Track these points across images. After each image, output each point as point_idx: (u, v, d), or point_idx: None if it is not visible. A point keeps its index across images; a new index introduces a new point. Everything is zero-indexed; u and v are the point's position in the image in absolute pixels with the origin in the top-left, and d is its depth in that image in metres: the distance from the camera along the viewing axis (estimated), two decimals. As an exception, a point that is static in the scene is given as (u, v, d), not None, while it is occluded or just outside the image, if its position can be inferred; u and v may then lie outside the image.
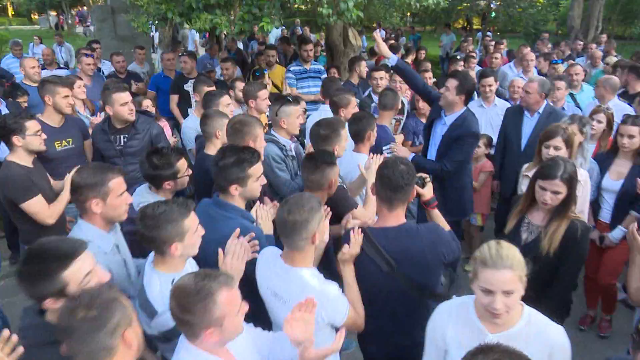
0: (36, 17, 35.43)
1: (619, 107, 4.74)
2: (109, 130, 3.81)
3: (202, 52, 13.32)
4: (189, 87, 5.70)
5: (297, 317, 1.71)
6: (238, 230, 2.23)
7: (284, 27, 7.53)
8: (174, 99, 5.83)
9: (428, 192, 2.66)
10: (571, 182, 2.49)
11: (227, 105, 4.02)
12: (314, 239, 2.02)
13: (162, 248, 1.96)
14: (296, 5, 4.70)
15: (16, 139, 3.19)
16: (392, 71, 5.04)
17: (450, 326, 1.93)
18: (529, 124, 4.34)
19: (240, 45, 11.89)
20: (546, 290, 2.55)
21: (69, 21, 30.20)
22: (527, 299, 1.86)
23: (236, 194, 2.42)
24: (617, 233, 3.61)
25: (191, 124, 4.33)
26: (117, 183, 2.27)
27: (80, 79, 5.00)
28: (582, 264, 2.77)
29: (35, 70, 5.29)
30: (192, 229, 2.01)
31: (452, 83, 3.75)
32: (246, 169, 2.38)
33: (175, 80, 5.97)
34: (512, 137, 4.40)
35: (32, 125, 3.24)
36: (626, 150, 3.56)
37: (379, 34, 4.28)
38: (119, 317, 1.42)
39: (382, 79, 5.54)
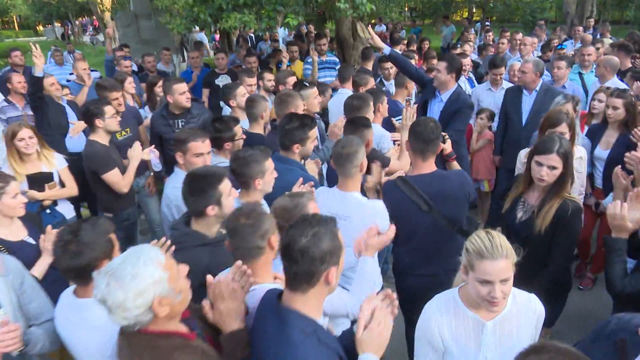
0: (41, 28, 36.15)
1: (616, 86, 5.06)
2: (167, 116, 4.44)
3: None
4: (219, 81, 6.31)
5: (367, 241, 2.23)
6: (301, 179, 2.86)
7: (289, 28, 8.11)
8: (206, 92, 6.43)
9: (448, 146, 3.26)
10: (567, 157, 2.54)
11: (243, 95, 4.50)
12: (362, 167, 2.67)
13: (248, 183, 2.56)
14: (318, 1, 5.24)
15: (98, 121, 3.82)
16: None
17: (445, 324, 1.94)
18: (527, 101, 4.78)
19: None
20: (539, 271, 2.67)
21: (75, 30, 30.91)
22: (518, 281, 1.88)
23: (297, 152, 3.04)
24: (609, 199, 3.86)
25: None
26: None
27: (130, 76, 5.62)
28: (574, 245, 2.85)
29: (55, 87, 5.25)
30: (270, 169, 2.62)
31: (442, 65, 4.31)
32: (307, 132, 3.02)
33: (206, 76, 6.59)
34: (513, 114, 4.81)
35: (109, 110, 3.87)
36: (612, 121, 3.91)
37: (372, 29, 4.89)
38: (268, 225, 1.91)
39: (392, 67, 6.15)
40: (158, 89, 5.49)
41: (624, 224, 2.29)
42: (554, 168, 2.54)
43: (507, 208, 2.79)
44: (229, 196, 2.37)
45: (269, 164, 2.66)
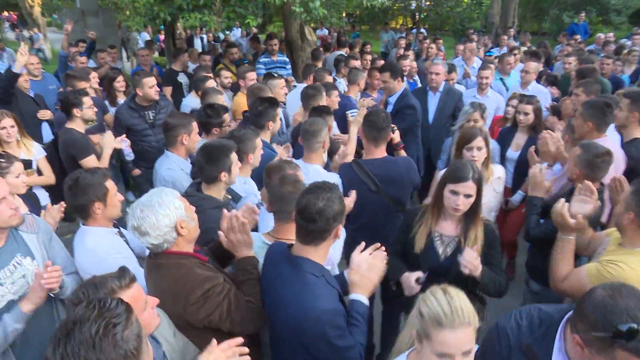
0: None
1: (536, 89, 5.70)
2: (137, 108, 4.68)
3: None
4: (181, 78, 6.56)
5: None
6: (280, 153, 3.35)
7: (248, 28, 8.46)
8: (169, 90, 6.62)
9: (396, 136, 3.74)
10: (480, 183, 2.48)
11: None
12: (324, 144, 3.19)
13: (242, 157, 2.94)
14: (276, 4, 5.66)
15: (76, 111, 4.04)
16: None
17: None
18: (433, 101, 5.24)
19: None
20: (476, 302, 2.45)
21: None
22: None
23: (269, 130, 3.60)
24: (517, 197, 4.23)
25: (189, 103, 5.27)
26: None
27: (95, 72, 5.76)
28: (500, 259, 2.72)
29: (25, 79, 5.34)
30: (259, 147, 3.11)
31: (386, 75, 4.78)
32: (276, 109, 3.67)
33: (167, 74, 6.80)
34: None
35: (87, 100, 4.10)
36: (522, 125, 4.20)
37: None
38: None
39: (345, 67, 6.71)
40: (117, 84, 5.70)
41: (565, 220, 2.41)
42: (469, 196, 2.45)
43: (422, 247, 2.57)
44: (236, 166, 2.76)
45: (259, 141, 3.09)
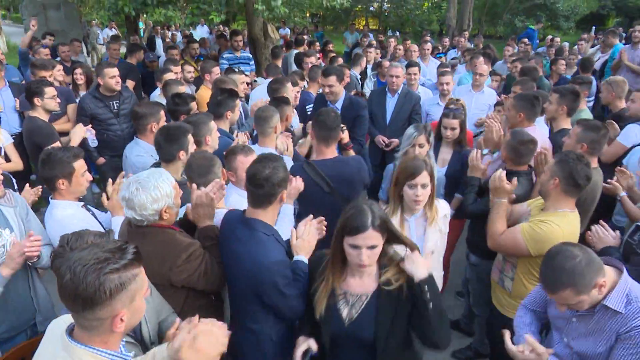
0: None
1: (487, 91, 5.74)
2: (101, 98, 4.82)
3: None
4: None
5: None
6: (237, 138, 3.59)
7: (212, 24, 8.64)
8: (131, 83, 6.72)
9: (346, 136, 3.80)
10: (386, 226, 1.97)
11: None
12: (276, 129, 3.46)
13: (200, 140, 3.22)
14: (239, 1, 5.90)
15: (37, 100, 4.16)
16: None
17: None
18: (391, 103, 5.22)
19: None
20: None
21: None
22: None
23: (228, 119, 3.95)
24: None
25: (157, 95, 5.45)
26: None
27: (60, 64, 5.84)
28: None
29: None
30: (215, 129, 3.38)
31: (332, 79, 4.53)
32: (235, 100, 3.98)
33: (128, 67, 6.92)
34: (378, 114, 5.22)
35: (49, 91, 4.22)
36: (449, 140, 3.99)
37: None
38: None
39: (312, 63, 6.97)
40: (77, 76, 5.83)
41: (502, 184, 2.85)
42: (373, 247, 1.94)
43: (322, 314, 2.08)
44: (193, 147, 3.01)
45: (213, 124, 3.35)
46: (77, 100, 5.39)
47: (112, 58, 7.40)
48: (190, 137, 2.98)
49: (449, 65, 7.14)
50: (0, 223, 2.43)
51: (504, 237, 2.80)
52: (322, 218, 2.48)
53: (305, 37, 11.60)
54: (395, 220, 2.70)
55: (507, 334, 2.10)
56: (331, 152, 3.23)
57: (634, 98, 4.46)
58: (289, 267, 2.25)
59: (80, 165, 2.69)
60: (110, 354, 1.47)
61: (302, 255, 2.32)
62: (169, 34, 13.66)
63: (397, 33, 15.13)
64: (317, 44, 11.19)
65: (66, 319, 1.57)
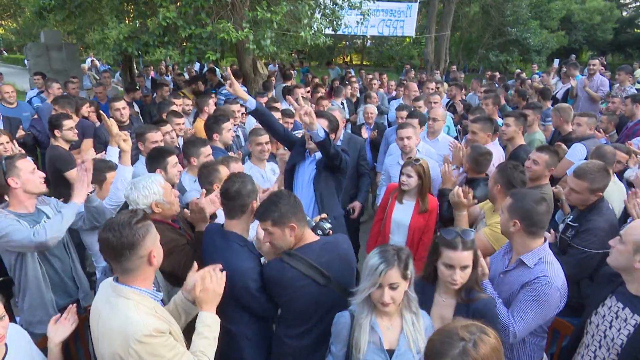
0: None
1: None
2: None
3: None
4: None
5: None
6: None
7: (207, 62, 9.37)
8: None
9: None
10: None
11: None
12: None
13: (189, 159, 3.82)
14: (232, 41, 6.57)
15: (57, 132, 4.71)
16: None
17: None
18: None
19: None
20: None
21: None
22: None
23: (217, 140, 4.63)
24: None
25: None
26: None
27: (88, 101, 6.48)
28: None
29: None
30: (205, 153, 3.97)
31: (323, 123, 3.72)
32: (221, 124, 4.67)
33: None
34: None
35: (67, 123, 4.77)
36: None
37: (235, 81, 3.73)
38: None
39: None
40: (84, 109, 6.41)
41: (460, 199, 3.29)
42: None
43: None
44: (174, 167, 3.54)
45: (206, 149, 3.93)
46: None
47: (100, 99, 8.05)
48: (172, 158, 3.55)
49: (412, 109, 5.96)
50: (46, 217, 3.03)
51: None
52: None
53: (292, 72, 12.42)
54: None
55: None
56: (310, 235, 2.59)
57: (579, 122, 5.14)
58: (260, 273, 2.55)
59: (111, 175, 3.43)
60: (147, 291, 2.06)
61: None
62: (163, 69, 14.42)
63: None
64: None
65: (110, 279, 2.13)
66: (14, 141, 4.57)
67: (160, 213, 2.84)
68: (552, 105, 7.38)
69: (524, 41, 21.82)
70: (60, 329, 2.36)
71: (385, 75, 11.84)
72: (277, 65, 18.94)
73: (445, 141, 5.14)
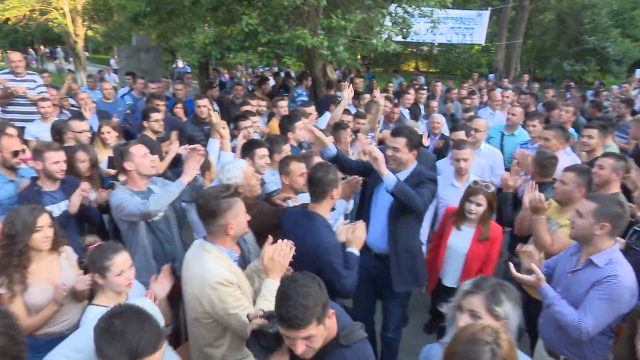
0: (-1, 54, 36.27)
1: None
2: (197, 123, 5.98)
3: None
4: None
5: None
6: None
7: (284, 66, 9.90)
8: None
9: None
10: None
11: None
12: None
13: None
14: (307, 47, 6.96)
15: (145, 122, 5.37)
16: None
17: None
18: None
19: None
20: None
21: (37, 58, 31.48)
22: None
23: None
24: None
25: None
26: None
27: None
28: None
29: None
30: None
31: (400, 141, 3.37)
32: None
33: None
34: None
35: (154, 116, 5.41)
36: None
37: (319, 133, 3.62)
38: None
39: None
40: (177, 110, 7.02)
41: (542, 204, 3.19)
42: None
43: None
44: (261, 159, 3.87)
45: (286, 147, 4.28)
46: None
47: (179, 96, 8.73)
48: (258, 150, 3.98)
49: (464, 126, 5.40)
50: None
51: (556, 247, 3.25)
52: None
53: (360, 80, 12.74)
54: None
55: (511, 266, 2.74)
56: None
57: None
58: (342, 251, 2.84)
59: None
60: (225, 250, 2.52)
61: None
62: (238, 73, 15.21)
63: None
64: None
65: (201, 238, 2.58)
66: (117, 129, 5.18)
67: (244, 195, 3.15)
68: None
69: (602, 50, 20.80)
70: (160, 286, 2.73)
71: (439, 83, 11.73)
72: (338, 72, 19.35)
73: (487, 151, 5.16)
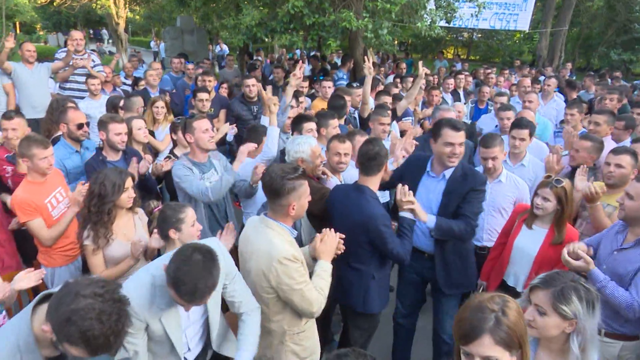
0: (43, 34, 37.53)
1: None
2: (246, 102, 6.14)
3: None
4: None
5: None
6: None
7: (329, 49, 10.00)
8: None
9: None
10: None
11: None
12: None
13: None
14: (352, 30, 7.02)
15: (192, 100, 5.54)
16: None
17: None
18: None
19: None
20: None
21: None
22: None
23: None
24: None
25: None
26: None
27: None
28: None
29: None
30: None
31: (460, 136, 3.17)
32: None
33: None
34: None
35: (201, 95, 5.63)
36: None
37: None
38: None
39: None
40: (221, 90, 7.26)
41: (598, 194, 3.28)
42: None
43: None
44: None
45: (334, 122, 4.41)
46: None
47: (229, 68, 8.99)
48: (306, 125, 4.16)
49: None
50: (213, 167, 3.70)
51: None
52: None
53: (404, 65, 12.71)
54: None
55: (564, 252, 2.74)
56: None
57: None
58: (390, 221, 2.96)
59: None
60: (287, 227, 2.57)
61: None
62: (276, 56, 15.37)
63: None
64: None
65: (262, 215, 2.66)
66: (168, 106, 5.45)
67: (306, 168, 3.30)
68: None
69: (653, 40, 19.90)
70: (225, 241, 2.92)
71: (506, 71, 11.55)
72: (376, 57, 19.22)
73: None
